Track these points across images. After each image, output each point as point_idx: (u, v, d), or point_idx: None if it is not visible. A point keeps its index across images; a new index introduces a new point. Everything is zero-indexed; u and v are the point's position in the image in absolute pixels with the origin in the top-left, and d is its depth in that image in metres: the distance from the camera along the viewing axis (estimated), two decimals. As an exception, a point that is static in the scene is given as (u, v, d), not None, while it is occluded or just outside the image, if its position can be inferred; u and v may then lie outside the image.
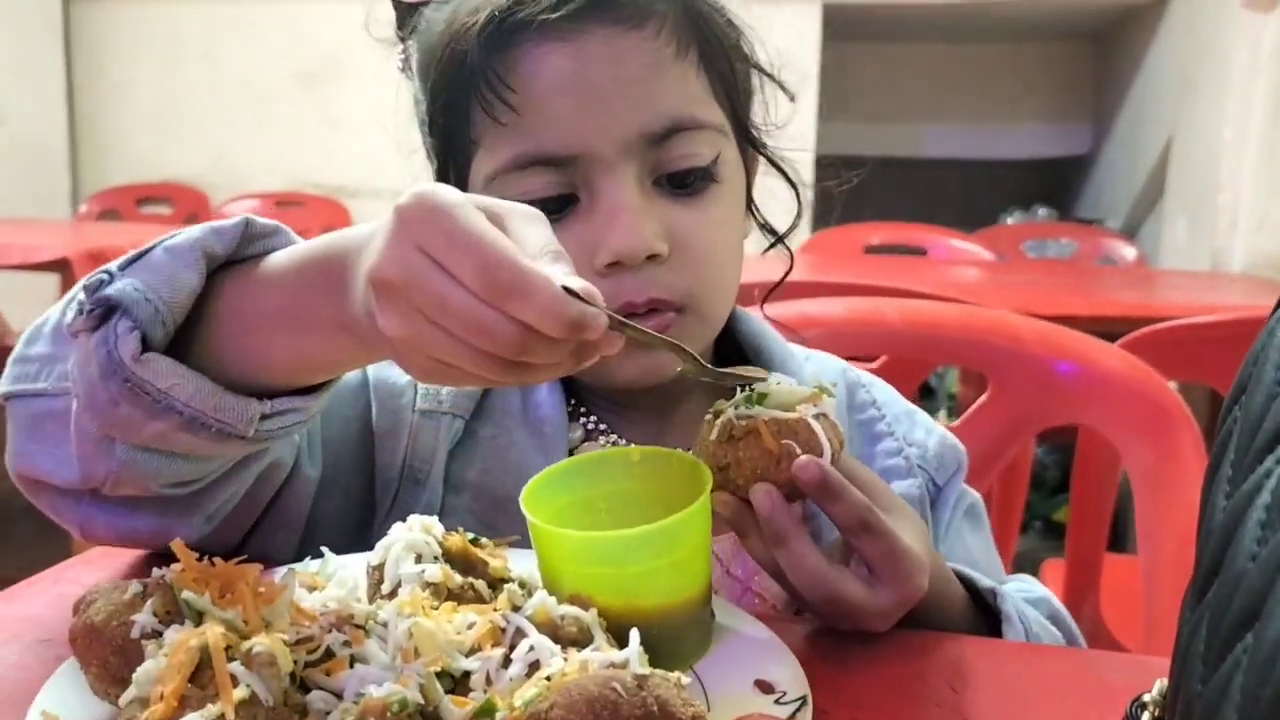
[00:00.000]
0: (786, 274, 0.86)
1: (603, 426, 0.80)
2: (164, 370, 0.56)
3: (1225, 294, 2.65)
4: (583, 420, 0.80)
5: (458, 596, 0.55)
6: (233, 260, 0.60)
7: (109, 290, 0.56)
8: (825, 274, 2.21)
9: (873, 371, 1.20)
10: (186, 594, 0.49)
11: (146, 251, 0.58)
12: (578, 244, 0.69)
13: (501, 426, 0.77)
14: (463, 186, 0.73)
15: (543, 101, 0.69)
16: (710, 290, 0.73)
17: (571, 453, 0.78)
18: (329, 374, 0.60)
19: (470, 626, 0.51)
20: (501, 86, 0.69)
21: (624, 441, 0.79)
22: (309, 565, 0.62)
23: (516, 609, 0.52)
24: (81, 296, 0.57)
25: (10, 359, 0.66)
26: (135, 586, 0.51)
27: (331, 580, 0.60)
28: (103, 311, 0.56)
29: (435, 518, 0.60)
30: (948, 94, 4.66)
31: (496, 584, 0.58)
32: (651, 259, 0.70)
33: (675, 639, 0.56)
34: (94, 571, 0.73)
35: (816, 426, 0.61)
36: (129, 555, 0.76)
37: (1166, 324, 1.47)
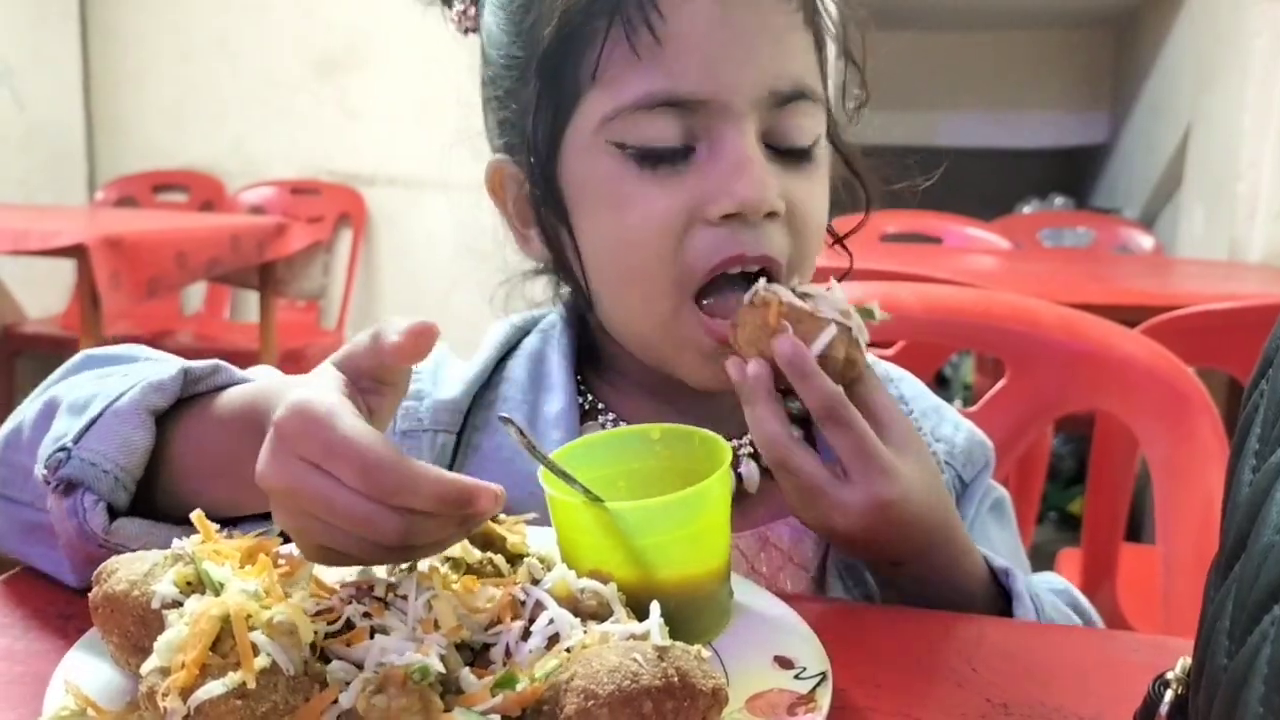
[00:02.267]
0: (849, 270, 0.85)
1: (622, 425, 0.79)
2: (134, 533, 0.61)
3: (1243, 283, 2.63)
4: (600, 420, 0.80)
5: (477, 571, 0.55)
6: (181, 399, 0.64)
7: (68, 470, 0.60)
8: (842, 261, 2.19)
9: (889, 358, 1.20)
10: (207, 564, 0.49)
11: (97, 418, 0.62)
12: (693, 193, 0.69)
13: (506, 436, 0.75)
14: (559, 135, 0.73)
15: (685, 37, 0.68)
16: (807, 260, 0.74)
17: None
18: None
19: (490, 600, 0.51)
20: (652, 11, 0.68)
21: None
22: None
23: (536, 582, 0.52)
24: (43, 470, 0.61)
25: None
26: (156, 557, 0.52)
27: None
28: (67, 486, 0.60)
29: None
30: (964, 82, 4.63)
31: (515, 559, 0.58)
32: (769, 216, 0.70)
33: (694, 613, 0.55)
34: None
35: (826, 328, 0.64)
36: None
37: (1186, 310, 1.46)
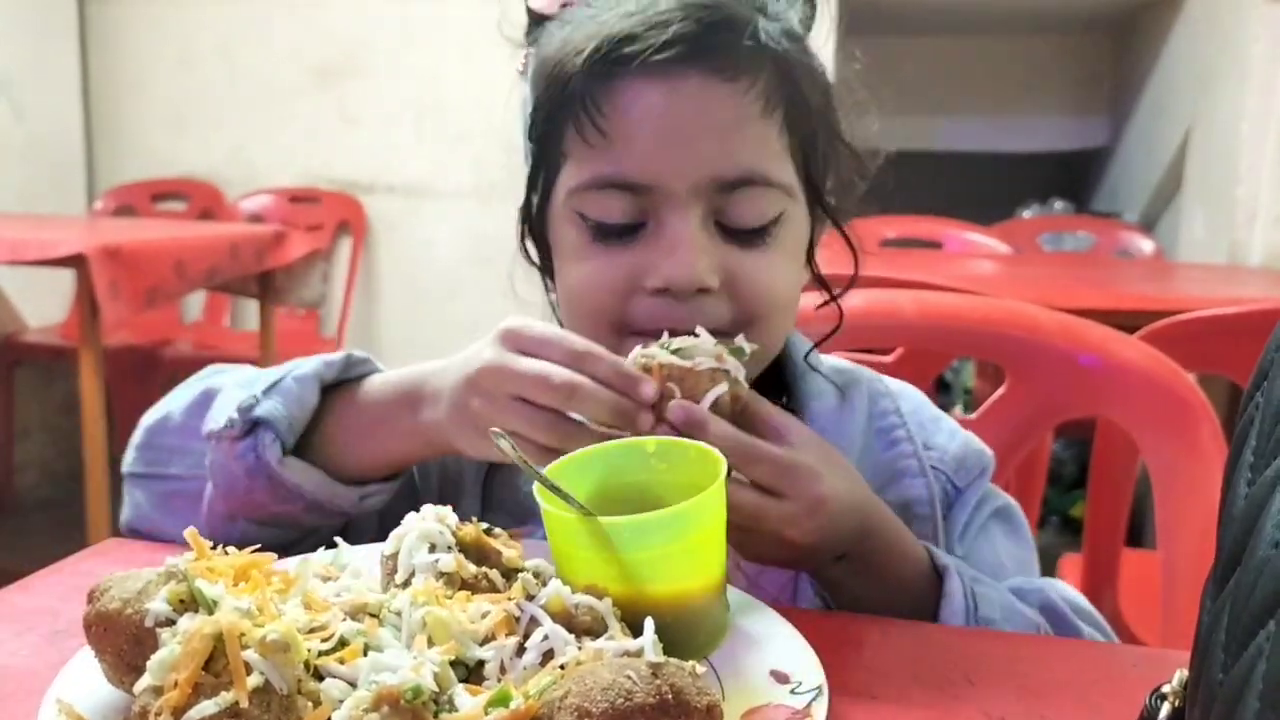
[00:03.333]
0: (836, 329, 0.88)
1: None
2: (298, 469, 0.74)
3: (1244, 287, 2.63)
4: None
5: (471, 586, 0.55)
6: (337, 383, 0.78)
7: (258, 411, 0.74)
8: (842, 268, 2.19)
9: (890, 365, 1.20)
10: (200, 582, 0.49)
11: (278, 381, 0.76)
12: (634, 266, 0.75)
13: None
14: (550, 189, 0.81)
15: (631, 132, 0.74)
16: (759, 325, 0.77)
17: None
18: (404, 467, 0.78)
19: (484, 615, 0.51)
20: (596, 112, 0.75)
21: None
22: (322, 556, 0.62)
23: (530, 598, 0.52)
24: (233, 415, 0.74)
25: (133, 446, 0.85)
26: (149, 575, 0.51)
27: (345, 570, 0.60)
28: (250, 426, 0.74)
29: (449, 507, 0.60)
30: (963, 87, 4.63)
31: (510, 574, 0.58)
32: (702, 291, 0.74)
33: (689, 628, 0.55)
34: (108, 563, 0.73)
35: (715, 383, 0.67)
36: (142, 547, 0.76)
37: (1185, 316, 1.46)
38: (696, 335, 0.69)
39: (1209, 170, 3.44)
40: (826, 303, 0.86)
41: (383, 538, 0.60)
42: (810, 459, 0.68)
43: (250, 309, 3.54)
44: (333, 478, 0.75)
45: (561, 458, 0.61)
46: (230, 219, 3.76)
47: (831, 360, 0.90)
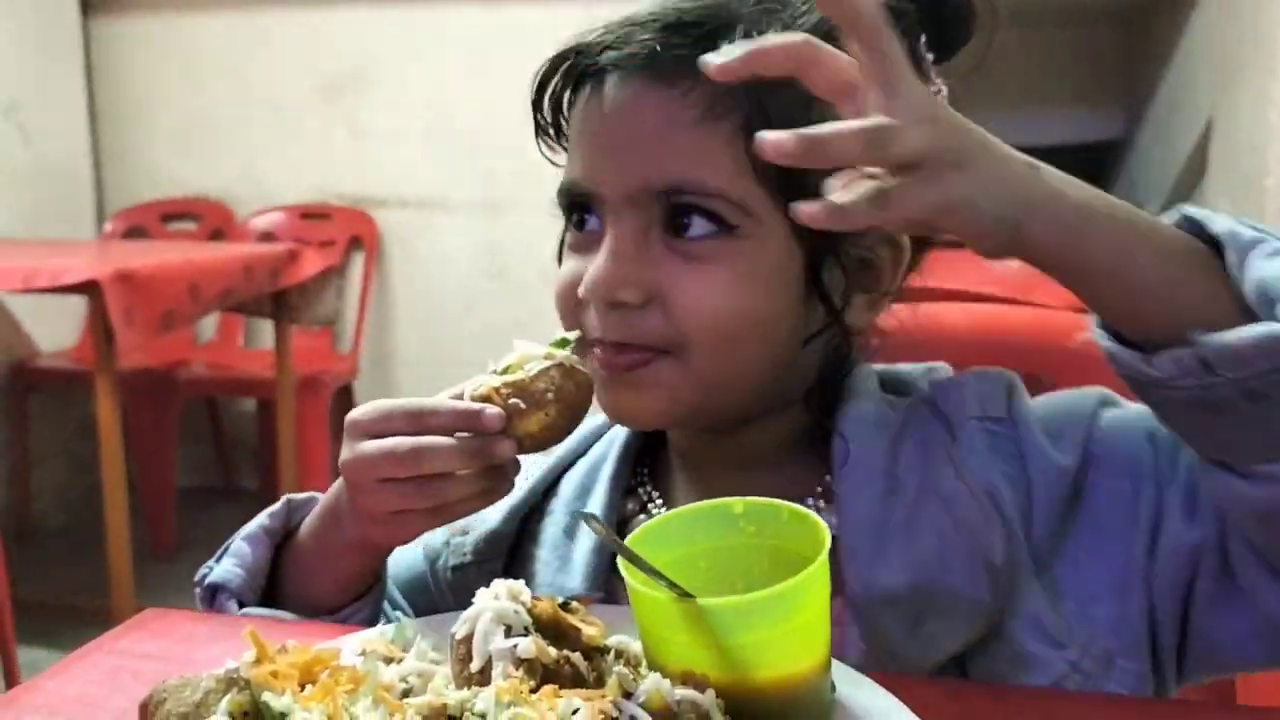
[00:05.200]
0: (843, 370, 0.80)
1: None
2: (256, 616, 0.74)
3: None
4: (651, 514, 0.79)
5: (554, 673, 0.50)
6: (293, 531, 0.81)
7: (211, 577, 0.77)
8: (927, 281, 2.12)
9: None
10: (267, 696, 0.44)
11: (229, 545, 0.79)
12: (580, 274, 0.72)
13: (557, 541, 0.81)
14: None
15: (576, 140, 0.74)
16: (697, 344, 0.70)
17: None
18: (364, 580, 0.78)
19: (575, 713, 0.46)
20: (553, 116, 0.77)
21: None
22: (384, 633, 0.57)
23: (628, 695, 0.47)
24: (196, 590, 0.78)
25: None
26: (207, 683, 0.46)
27: (410, 649, 0.55)
28: (211, 593, 0.77)
29: (522, 582, 0.55)
30: (975, 81, 4.57)
31: (591, 654, 0.53)
32: (622, 305, 0.70)
33: (794, 713, 0.50)
34: (147, 640, 0.69)
35: (543, 377, 0.66)
36: (183, 617, 0.71)
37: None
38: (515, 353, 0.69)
39: (1234, 161, 3.38)
40: (828, 324, 0.77)
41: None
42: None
43: (265, 328, 3.50)
44: (309, 610, 0.77)
45: (640, 526, 0.56)
46: (241, 237, 3.72)
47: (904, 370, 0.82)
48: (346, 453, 0.69)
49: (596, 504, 0.80)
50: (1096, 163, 4.75)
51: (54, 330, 3.59)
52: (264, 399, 3.49)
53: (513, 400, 0.65)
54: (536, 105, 0.77)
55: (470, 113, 3.59)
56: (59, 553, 3.40)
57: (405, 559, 0.87)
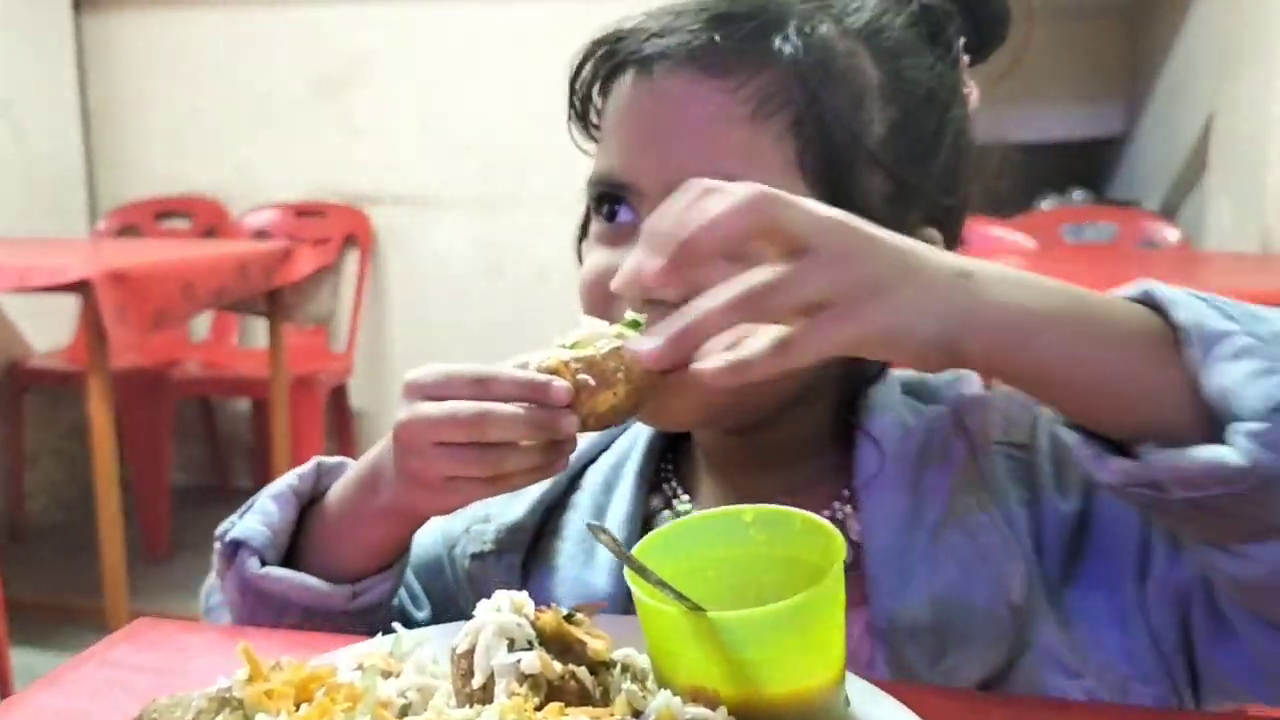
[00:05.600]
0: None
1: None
2: (277, 577, 0.73)
3: (1278, 276, 2.55)
4: (677, 509, 0.78)
5: (558, 689, 0.48)
6: (319, 496, 0.78)
7: (233, 533, 0.74)
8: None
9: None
10: (261, 716, 0.42)
11: (254, 502, 0.77)
12: (614, 268, 0.68)
13: (577, 546, 0.79)
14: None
15: (614, 129, 0.72)
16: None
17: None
18: (392, 552, 0.76)
19: (582, 732, 0.44)
20: (589, 106, 0.75)
21: None
22: (380, 647, 0.55)
23: (637, 713, 0.45)
24: (215, 545, 0.76)
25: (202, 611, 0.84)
26: (198, 702, 0.45)
27: (408, 663, 0.53)
28: (233, 550, 0.74)
29: (525, 593, 0.53)
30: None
31: (597, 668, 0.51)
32: (660, 302, 0.66)
33: (809, 729, 0.48)
34: (139, 651, 0.67)
35: (613, 356, 0.62)
36: (175, 628, 0.70)
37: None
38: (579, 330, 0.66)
39: (1235, 156, 3.37)
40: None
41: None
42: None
43: (259, 326, 3.48)
44: (331, 579, 0.74)
45: (648, 535, 0.54)
46: (235, 235, 3.70)
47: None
48: (404, 413, 0.65)
49: (622, 500, 0.79)
50: (1095, 159, 4.73)
51: (47, 330, 3.56)
52: (258, 398, 3.47)
53: (581, 376, 0.62)
54: (572, 90, 0.76)
55: (465, 109, 3.57)
56: (52, 553, 3.38)
57: (424, 540, 0.84)
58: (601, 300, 0.71)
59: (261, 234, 3.68)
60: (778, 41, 0.68)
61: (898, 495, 0.70)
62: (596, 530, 0.52)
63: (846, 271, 0.51)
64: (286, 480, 0.77)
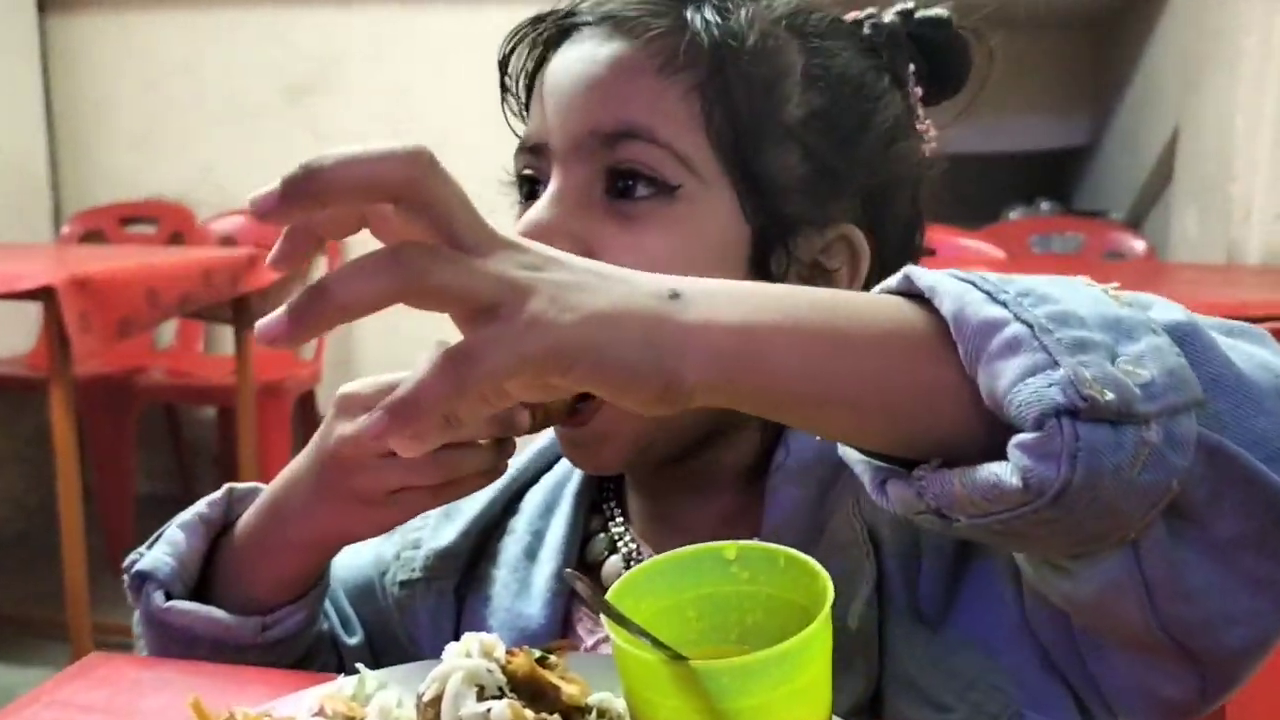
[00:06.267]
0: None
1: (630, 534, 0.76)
2: (182, 611, 0.71)
3: (1244, 288, 2.57)
4: (611, 532, 0.76)
5: (532, 738, 0.46)
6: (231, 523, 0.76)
7: (140, 565, 0.73)
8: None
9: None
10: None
11: (163, 532, 0.75)
12: None
13: (512, 574, 0.77)
14: None
15: (536, 95, 0.72)
16: None
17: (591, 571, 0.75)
18: (304, 582, 0.73)
19: (556, 788, 0.42)
20: (515, 83, 0.74)
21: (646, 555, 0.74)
22: (343, 686, 0.53)
23: (614, 769, 0.43)
24: (125, 578, 0.73)
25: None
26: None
27: (371, 707, 0.51)
28: (140, 582, 0.72)
29: (496, 636, 0.51)
30: (957, 123, 4.56)
31: (572, 714, 0.49)
32: None
33: (793, 782, 0.46)
34: (89, 688, 0.64)
35: None
36: (128, 663, 0.67)
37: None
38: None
39: (1201, 167, 3.39)
40: None
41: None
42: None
43: (225, 333, 3.43)
44: (244, 612, 0.72)
45: (627, 574, 0.52)
46: (201, 241, 3.65)
47: None
48: (345, 429, 0.64)
49: (561, 521, 0.77)
50: (1062, 170, 4.76)
51: (8, 336, 3.50)
52: (224, 406, 3.42)
53: None
54: (503, 76, 0.75)
55: (435, 115, 3.53)
56: (14, 563, 3.33)
57: (356, 563, 0.83)
58: None
59: (228, 240, 3.63)
60: (691, 11, 0.68)
61: (800, 510, 0.68)
62: (572, 578, 0.50)
63: (510, 285, 0.45)
64: (196, 509, 0.75)
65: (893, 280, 0.51)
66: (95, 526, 2.71)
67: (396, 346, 3.76)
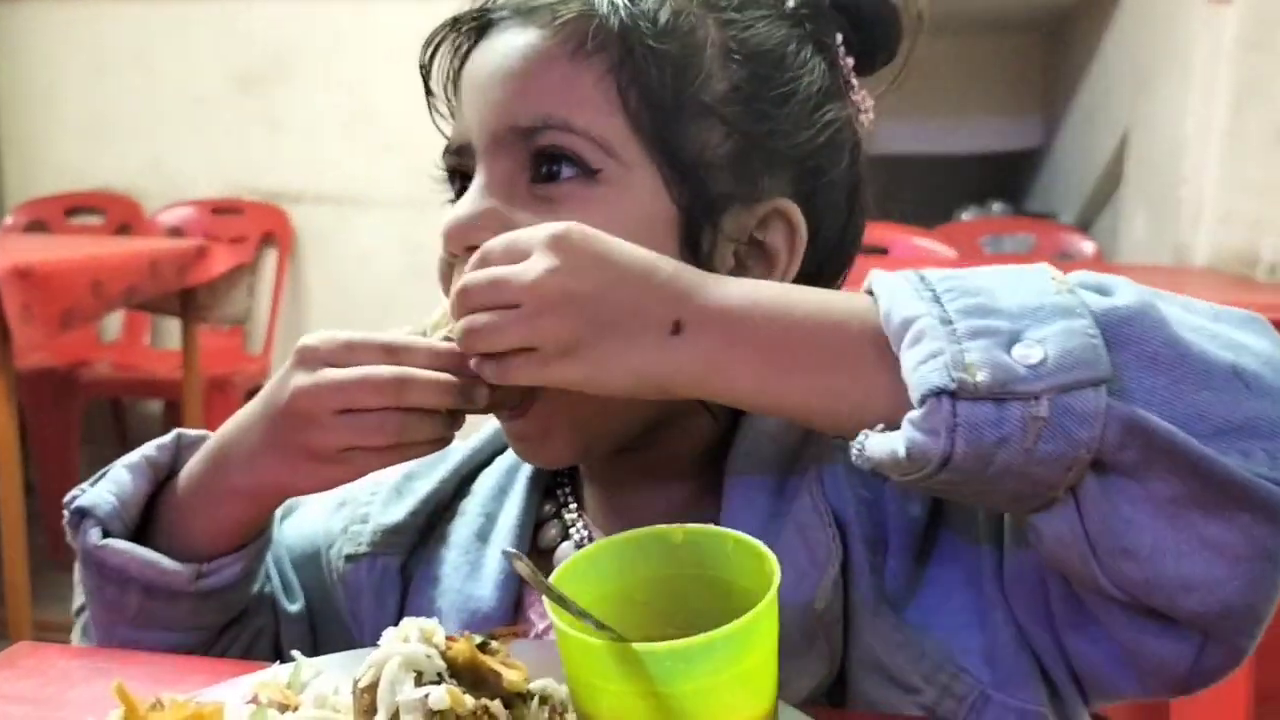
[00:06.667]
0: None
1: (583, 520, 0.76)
2: (117, 550, 0.69)
3: (1190, 289, 2.58)
4: (565, 518, 0.76)
5: (470, 725, 0.45)
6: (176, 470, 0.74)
7: (80, 501, 0.71)
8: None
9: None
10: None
11: (108, 470, 0.74)
12: None
13: (462, 555, 0.76)
14: None
15: (458, 94, 0.72)
16: None
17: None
18: (243, 533, 0.72)
19: (494, 774, 0.40)
20: (442, 86, 0.74)
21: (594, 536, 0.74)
22: (278, 676, 0.52)
23: (555, 753, 0.42)
24: (65, 514, 0.71)
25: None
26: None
27: (307, 694, 0.50)
28: (79, 518, 0.71)
29: (435, 621, 0.49)
30: (895, 89, 4.59)
31: (513, 701, 0.47)
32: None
33: (738, 766, 0.45)
34: (17, 678, 0.62)
35: None
36: (57, 652, 0.65)
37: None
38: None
39: (1150, 171, 3.43)
40: None
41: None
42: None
43: (172, 326, 3.38)
44: (180, 561, 0.70)
45: (571, 556, 0.51)
46: (149, 233, 3.60)
47: None
48: (303, 380, 0.63)
49: (514, 504, 0.76)
50: (1013, 172, 4.81)
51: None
52: (171, 400, 3.37)
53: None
54: (426, 81, 0.75)
55: (392, 107, 3.49)
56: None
57: (303, 530, 0.82)
58: (447, 274, 0.70)
59: (176, 232, 3.58)
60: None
61: (759, 493, 0.68)
62: (512, 556, 0.49)
63: (540, 329, 0.56)
64: (143, 450, 0.74)
65: (866, 281, 0.57)
66: (37, 523, 2.66)
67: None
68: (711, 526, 0.52)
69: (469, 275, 0.59)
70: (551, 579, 0.48)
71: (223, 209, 3.65)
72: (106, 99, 3.70)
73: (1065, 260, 3.55)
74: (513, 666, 0.49)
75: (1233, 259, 2.97)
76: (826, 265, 0.73)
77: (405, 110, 3.81)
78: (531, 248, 0.58)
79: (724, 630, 0.44)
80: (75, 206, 3.71)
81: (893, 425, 0.51)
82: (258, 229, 3.62)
